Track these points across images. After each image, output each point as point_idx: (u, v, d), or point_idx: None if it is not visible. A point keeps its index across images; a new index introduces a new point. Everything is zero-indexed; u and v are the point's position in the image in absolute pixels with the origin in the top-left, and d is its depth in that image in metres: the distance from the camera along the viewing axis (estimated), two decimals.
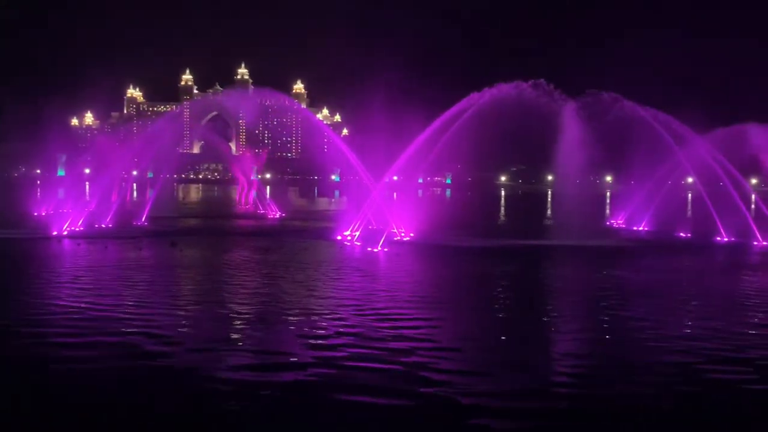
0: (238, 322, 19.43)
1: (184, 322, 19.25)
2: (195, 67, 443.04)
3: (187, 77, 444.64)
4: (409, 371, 14.61)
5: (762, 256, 39.84)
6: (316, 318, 19.75)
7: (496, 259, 35.37)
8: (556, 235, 45.53)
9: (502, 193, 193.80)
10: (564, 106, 47.62)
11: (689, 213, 74.36)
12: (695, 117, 51.29)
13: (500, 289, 26.58)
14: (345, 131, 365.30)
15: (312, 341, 17.18)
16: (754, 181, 64.16)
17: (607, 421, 12.23)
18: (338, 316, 20.10)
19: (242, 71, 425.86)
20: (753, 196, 55.09)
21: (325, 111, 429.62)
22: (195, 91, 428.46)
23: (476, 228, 56.69)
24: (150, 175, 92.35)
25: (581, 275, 30.26)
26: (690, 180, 68.00)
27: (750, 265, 36.13)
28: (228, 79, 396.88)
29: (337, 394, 13.10)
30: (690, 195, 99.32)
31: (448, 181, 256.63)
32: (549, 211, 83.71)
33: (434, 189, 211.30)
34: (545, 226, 59.13)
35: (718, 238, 47.50)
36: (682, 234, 51.28)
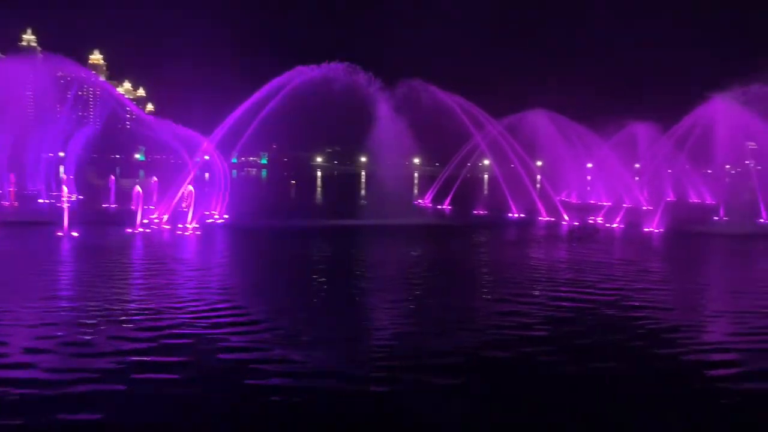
0: (19, 324, 16.54)
1: None
2: None
3: None
4: (215, 377, 13.08)
5: (547, 229, 45.06)
6: (113, 317, 17.38)
7: (312, 241, 35.70)
8: (369, 215, 47.16)
9: (318, 173, 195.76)
10: (376, 89, 49.27)
11: (486, 192, 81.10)
12: (497, 104, 56.18)
13: (315, 274, 26.05)
14: (150, 106, 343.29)
15: (106, 347, 14.79)
16: (539, 163, 71.98)
17: (424, 410, 11.94)
18: (139, 312, 17.93)
19: (28, 37, 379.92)
20: (538, 176, 61.83)
21: (127, 84, 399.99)
22: None
23: (292, 209, 56.71)
24: None
25: (393, 254, 31.55)
26: (486, 162, 74.48)
27: (538, 237, 40.79)
28: (11, 46, 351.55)
29: (130, 413, 11.24)
30: (486, 176, 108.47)
31: (264, 161, 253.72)
32: (363, 192, 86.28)
33: (249, 169, 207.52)
34: (359, 207, 60.86)
35: (510, 215, 52.90)
36: (479, 211, 56.03)
